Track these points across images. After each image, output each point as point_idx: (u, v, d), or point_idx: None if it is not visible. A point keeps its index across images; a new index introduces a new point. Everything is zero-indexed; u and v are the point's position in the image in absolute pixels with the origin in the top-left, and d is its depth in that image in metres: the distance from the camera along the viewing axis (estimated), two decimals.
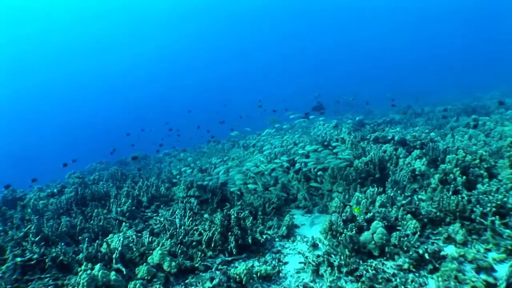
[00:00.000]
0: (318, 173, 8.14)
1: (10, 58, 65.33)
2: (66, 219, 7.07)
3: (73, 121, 65.62)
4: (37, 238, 5.67)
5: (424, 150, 7.73)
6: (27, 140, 59.85)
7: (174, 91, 76.09)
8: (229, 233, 5.45)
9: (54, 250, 5.29)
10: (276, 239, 6.06)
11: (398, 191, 6.14)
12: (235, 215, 5.66)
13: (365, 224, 5.19)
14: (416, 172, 7.08)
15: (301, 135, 10.93)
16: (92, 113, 69.83)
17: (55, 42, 67.86)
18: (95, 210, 7.60)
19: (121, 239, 4.94)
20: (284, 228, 6.14)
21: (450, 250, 4.37)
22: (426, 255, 3.99)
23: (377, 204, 5.60)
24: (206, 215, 7.81)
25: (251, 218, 5.70)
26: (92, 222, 6.89)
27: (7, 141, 59.19)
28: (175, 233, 5.86)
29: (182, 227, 5.94)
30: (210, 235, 5.52)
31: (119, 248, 4.82)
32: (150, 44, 77.00)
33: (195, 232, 5.92)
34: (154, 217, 7.60)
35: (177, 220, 6.24)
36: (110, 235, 5.91)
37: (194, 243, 5.68)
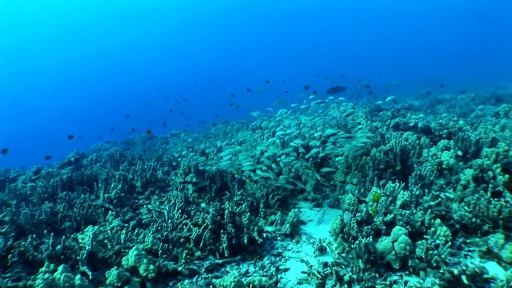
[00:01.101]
0: (330, 161, 7.25)
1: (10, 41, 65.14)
2: (47, 205, 6.39)
3: (85, 101, 65.49)
4: (4, 229, 4.97)
5: (452, 141, 6.74)
6: (34, 120, 59.97)
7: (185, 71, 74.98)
8: (222, 231, 4.65)
9: (23, 243, 4.60)
10: (278, 238, 5.24)
11: (424, 189, 5.22)
12: (230, 209, 4.85)
13: (384, 227, 4.32)
14: (443, 166, 6.13)
15: (315, 117, 9.97)
16: (107, 92, 69.50)
17: (53, 23, 67.18)
18: (82, 196, 6.91)
19: (90, 235, 4.17)
20: (288, 225, 5.31)
21: (492, 268, 3.47)
22: (464, 278, 3.10)
23: (398, 203, 4.71)
24: (203, 204, 7.04)
25: (248, 214, 4.86)
26: (75, 209, 6.20)
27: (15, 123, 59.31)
28: (161, 227, 5.09)
29: (170, 220, 5.16)
30: (200, 232, 4.74)
31: (88, 247, 4.06)
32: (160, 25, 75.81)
33: (184, 226, 5.14)
34: (145, 205, 6.87)
35: (165, 211, 5.47)
36: (89, 227, 5.17)
37: (182, 239, 4.90)
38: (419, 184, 5.17)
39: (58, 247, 4.24)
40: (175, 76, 71.13)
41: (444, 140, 6.77)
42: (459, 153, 6.36)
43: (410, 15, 71.60)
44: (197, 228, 4.80)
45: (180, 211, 5.35)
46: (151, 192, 7.81)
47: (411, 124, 8.21)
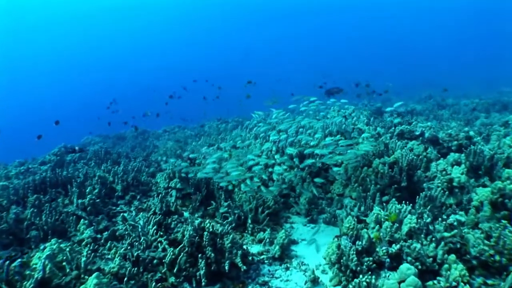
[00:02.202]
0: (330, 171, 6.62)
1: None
2: (13, 210, 5.75)
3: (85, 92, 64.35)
4: None
5: (463, 155, 6.12)
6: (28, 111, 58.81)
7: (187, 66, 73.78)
8: (200, 255, 4.02)
9: None
10: (266, 262, 4.62)
11: (434, 211, 4.60)
12: (210, 229, 4.22)
13: (388, 260, 3.70)
14: (454, 183, 5.51)
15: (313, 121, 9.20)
16: (106, 84, 68.35)
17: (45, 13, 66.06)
18: (54, 200, 6.26)
19: (43, 256, 3.52)
20: (278, 247, 4.69)
21: None
22: None
23: (405, 229, 4.08)
24: (186, 213, 6.43)
25: (231, 236, 4.22)
26: (43, 216, 5.56)
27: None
28: (132, 244, 4.46)
29: (143, 238, 4.52)
30: (176, 253, 4.11)
31: (37, 275, 3.41)
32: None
33: (159, 244, 4.50)
34: (123, 213, 6.23)
35: (139, 225, 4.83)
36: (51, 242, 4.51)
37: (155, 261, 4.27)
38: (429, 207, 4.54)
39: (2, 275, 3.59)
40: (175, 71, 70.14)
41: (455, 154, 6.15)
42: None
43: (410, 17, 70.52)
44: (172, 249, 4.16)
45: (155, 226, 4.71)
46: (132, 197, 7.17)
47: (417, 133, 7.58)
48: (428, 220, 3.84)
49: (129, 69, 73.41)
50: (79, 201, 6.11)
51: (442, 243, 3.62)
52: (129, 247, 4.54)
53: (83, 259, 3.85)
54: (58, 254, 3.94)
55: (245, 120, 15.69)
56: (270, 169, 6.10)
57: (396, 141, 7.00)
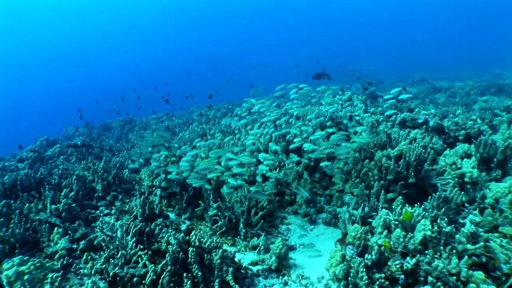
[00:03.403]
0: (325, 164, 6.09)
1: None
2: None
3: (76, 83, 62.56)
4: None
5: (472, 146, 5.63)
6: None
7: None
8: (186, 274, 3.48)
9: None
10: (261, 274, 4.10)
11: (449, 213, 4.10)
12: (197, 242, 3.67)
13: (402, 276, 3.21)
14: (466, 179, 5.02)
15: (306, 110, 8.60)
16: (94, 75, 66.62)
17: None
18: (26, 206, 5.63)
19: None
20: (274, 258, 4.16)
21: None
22: None
23: (418, 236, 3.57)
24: (172, 215, 5.88)
25: (221, 251, 3.67)
26: (11, 226, 4.96)
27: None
28: (108, 260, 3.91)
29: (121, 252, 3.97)
30: (158, 270, 3.56)
31: None
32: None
33: (140, 259, 3.95)
34: (101, 220, 5.66)
35: (118, 235, 4.26)
36: (14, 261, 3.93)
37: (135, 279, 3.73)
38: (443, 209, 4.03)
39: None
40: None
41: (464, 145, 5.65)
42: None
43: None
44: (153, 267, 3.61)
45: (135, 238, 4.14)
46: (114, 198, 6.58)
47: (420, 121, 7.06)
48: (448, 229, 3.32)
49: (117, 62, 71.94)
50: (53, 206, 5.50)
51: (465, 257, 3.12)
52: (106, 262, 4.00)
53: (40, 275, 3.28)
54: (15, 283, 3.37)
55: (235, 107, 15.08)
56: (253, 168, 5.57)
57: (399, 130, 6.47)
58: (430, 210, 4.12)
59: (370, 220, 4.69)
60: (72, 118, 18.24)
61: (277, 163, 6.08)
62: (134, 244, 4.07)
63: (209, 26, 79.55)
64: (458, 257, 3.15)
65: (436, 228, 3.49)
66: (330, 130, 6.15)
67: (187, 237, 3.71)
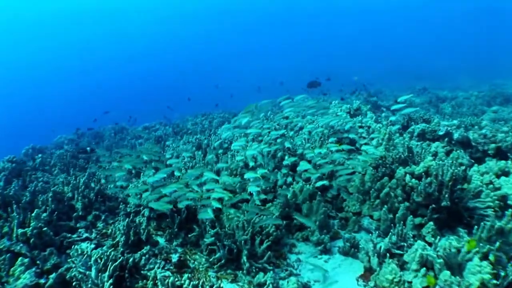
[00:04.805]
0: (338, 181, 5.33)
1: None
2: None
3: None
4: None
5: (509, 162, 4.88)
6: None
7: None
8: None
9: None
10: None
11: (507, 249, 3.32)
12: None
13: None
14: (509, 201, 4.26)
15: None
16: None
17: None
18: None
19: None
20: None
21: None
22: None
23: (474, 282, 2.79)
24: (162, 241, 5.05)
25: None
26: None
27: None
28: None
29: None
30: None
31: None
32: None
33: None
34: (76, 247, 4.80)
35: (92, 274, 3.43)
36: None
37: None
38: (498, 243, 3.25)
39: None
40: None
41: (500, 162, 4.91)
42: None
43: (395, 11, 69.29)
44: None
45: (111, 280, 3.30)
46: (96, 218, 5.75)
47: (440, 133, 6.32)
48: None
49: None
50: (20, 230, 4.64)
51: None
52: None
53: None
54: None
55: (231, 116, 14.37)
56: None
57: (422, 143, 5.72)
58: (479, 243, 3.34)
59: (397, 251, 3.93)
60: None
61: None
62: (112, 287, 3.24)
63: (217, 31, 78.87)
64: None
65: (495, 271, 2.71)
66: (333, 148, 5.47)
67: (178, 282, 2.90)
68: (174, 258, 4.43)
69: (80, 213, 5.72)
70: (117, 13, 69.49)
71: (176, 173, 5.62)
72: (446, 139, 6.22)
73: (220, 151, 7.53)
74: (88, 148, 9.38)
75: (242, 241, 4.19)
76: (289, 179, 5.70)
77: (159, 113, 19.55)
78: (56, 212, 5.29)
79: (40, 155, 9.28)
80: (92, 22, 68.76)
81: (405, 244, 3.97)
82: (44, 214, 5.02)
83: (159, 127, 15.97)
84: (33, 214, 4.88)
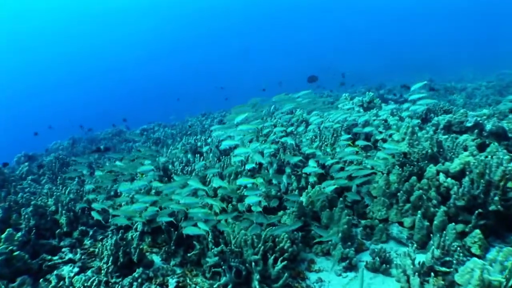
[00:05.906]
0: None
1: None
2: None
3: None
4: None
5: None
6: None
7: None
8: None
9: None
10: None
11: None
12: None
13: None
14: None
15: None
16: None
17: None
18: None
19: None
20: None
21: None
22: None
23: None
24: (158, 259, 4.34)
25: None
26: None
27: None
28: None
29: None
30: None
31: None
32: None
33: None
34: (55, 272, 4.09)
35: None
36: None
37: None
38: None
39: None
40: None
41: None
42: None
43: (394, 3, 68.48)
44: None
45: None
46: (82, 233, 5.05)
47: (468, 124, 5.61)
48: None
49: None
50: None
51: None
52: None
53: None
54: None
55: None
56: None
57: (454, 138, 4.99)
58: None
59: (442, 268, 3.22)
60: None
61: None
62: None
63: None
64: None
65: None
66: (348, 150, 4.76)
67: None
68: (172, 283, 3.71)
69: (64, 229, 5.02)
70: (117, 14, 69.02)
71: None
72: (476, 130, 5.50)
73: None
74: (102, 147, 8.96)
75: (253, 262, 3.47)
76: (294, 184, 4.98)
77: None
78: (34, 230, 4.58)
79: (27, 164, 8.57)
80: (92, 23, 68.49)
81: (451, 258, 3.26)
82: (19, 234, 4.31)
83: (157, 129, 15.33)
84: (2, 236, 4.17)
